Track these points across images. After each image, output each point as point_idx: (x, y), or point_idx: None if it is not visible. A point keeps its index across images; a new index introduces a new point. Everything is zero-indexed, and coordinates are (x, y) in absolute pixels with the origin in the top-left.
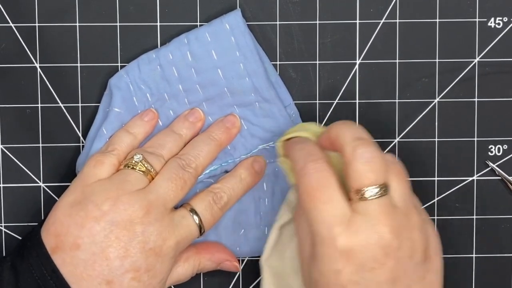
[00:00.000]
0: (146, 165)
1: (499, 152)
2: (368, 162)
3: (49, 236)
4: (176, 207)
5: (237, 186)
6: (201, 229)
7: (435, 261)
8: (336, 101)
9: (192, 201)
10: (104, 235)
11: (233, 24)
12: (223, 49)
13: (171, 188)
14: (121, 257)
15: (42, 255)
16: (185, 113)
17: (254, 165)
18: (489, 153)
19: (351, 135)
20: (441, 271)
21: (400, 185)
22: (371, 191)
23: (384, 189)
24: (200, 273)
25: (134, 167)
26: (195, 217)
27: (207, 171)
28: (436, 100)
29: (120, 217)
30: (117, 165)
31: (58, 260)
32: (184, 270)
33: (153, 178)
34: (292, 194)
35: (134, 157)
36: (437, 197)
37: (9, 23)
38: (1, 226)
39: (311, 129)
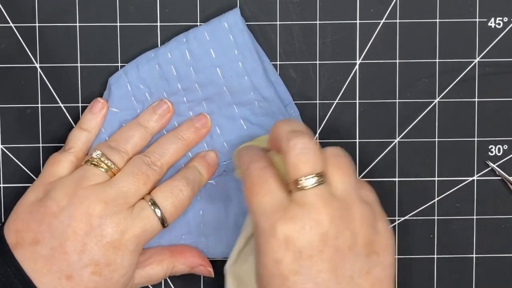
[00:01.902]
0: (106, 162)
1: (499, 152)
2: (301, 152)
3: (10, 232)
4: None
5: (196, 178)
6: (163, 221)
7: (383, 257)
8: (336, 101)
9: (153, 192)
10: (62, 229)
11: (231, 23)
12: (222, 48)
13: (132, 183)
14: (78, 251)
15: (5, 253)
16: (153, 105)
17: (207, 158)
18: (489, 153)
19: (286, 129)
20: (391, 268)
21: (342, 177)
22: (308, 181)
23: (321, 178)
24: None
25: (95, 164)
26: (156, 210)
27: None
28: (436, 100)
29: (77, 211)
30: (76, 162)
31: (19, 256)
32: (156, 271)
33: (114, 174)
34: None
35: (93, 154)
36: (437, 197)
37: (9, 23)
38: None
39: (262, 140)
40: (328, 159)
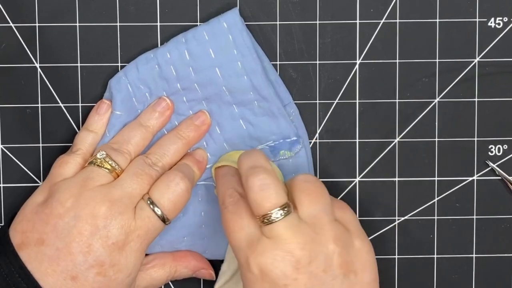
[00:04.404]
0: (110, 162)
1: (499, 152)
2: (261, 190)
3: (16, 233)
4: None
5: (190, 173)
6: (164, 218)
7: (362, 275)
8: (336, 101)
9: (150, 191)
10: (67, 230)
11: (230, 22)
12: (221, 47)
13: (136, 183)
14: (84, 252)
15: (9, 253)
16: (152, 103)
17: (195, 155)
18: (489, 153)
19: (245, 165)
20: (373, 285)
21: (310, 202)
22: (274, 214)
23: (287, 209)
24: None
25: (99, 165)
26: (156, 208)
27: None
28: (436, 100)
29: (82, 212)
30: (82, 164)
31: (24, 256)
32: (159, 275)
33: (118, 175)
34: None
35: (98, 154)
36: (437, 197)
37: (9, 23)
38: (1, 225)
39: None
40: (297, 186)
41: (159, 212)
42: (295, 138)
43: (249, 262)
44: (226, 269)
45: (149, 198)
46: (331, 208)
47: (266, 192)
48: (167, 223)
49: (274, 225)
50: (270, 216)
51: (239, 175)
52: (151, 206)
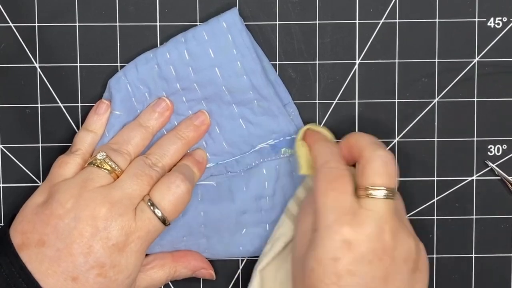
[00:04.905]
0: (110, 163)
1: (498, 152)
2: (386, 164)
3: (16, 233)
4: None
5: (190, 174)
6: (164, 220)
7: (423, 274)
8: (336, 101)
9: (151, 192)
10: (68, 231)
11: (230, 22)
12: (220, 47)
13: (136, 184)
14: (85, 253)
15: (10, 253)
16: (152, 103)
17: (195, 156)
18: (489, 153)
19: (370, 140)
20: (427, 286)
21: (399, 199)
22: (380, 192)
23: (393, 193)
24: None
25: (99, 165)
26: (156, 210)
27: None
28: (435, 100)
29: (82, 213)
30: (82, 164)
31: (25, 257)
32: (159, 275)
33: (118, 176)
34: (301, 190)
35: (98, 155)
36: (437, 197)
37: (9, 23)
38: (1, 225)
39: (328, 134)
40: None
41: (159, 214)
42: (295, 136)
43: (342, 227)
44: (268, 251)
45: (149, 200)
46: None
47: (389, 168)
48: (167, 224)
49: (379, 201)
50: (376, 191)
51: (338, 148)
52: (152, 207)
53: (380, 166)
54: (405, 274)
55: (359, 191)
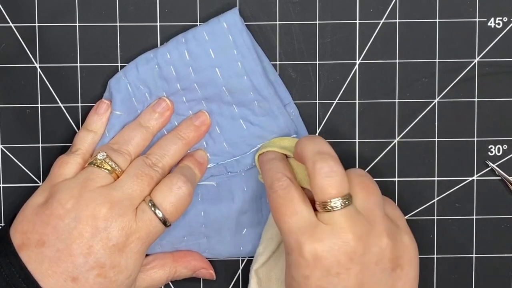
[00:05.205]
0: (110, 163)
1: (499, 152)
2: (328, 176)
3: (16, 233)
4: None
5: (192, 175)
6: (165, 221)
7: (407, 270)
8: (336, 101)
9: (152, 193)
10: (68, 231)
11: (230, 22)
12: (221, 48)
13: (137, 184)
14: (85, 253)
15: (10, 253)
16: (152, 104)
17: (196, 156)
18: (489, 153)
19: (311, 150)
20: (414, 281)
21: (366, 196)
22: (334, 203)
23: (347, 199)
24: None
25: (99, 165)
26: (157, 211)
27: (211, 165)
28: (436, 100)
29: (83, 213)
30: (82, 164)
31: (25, 257)
32: (159, 275)
33: (118, 176)
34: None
35: (98, 155)
36: (437, 197)
37: (9, 23)
38: (1, 226)
39: (285, 145)
40: (353, 179)
41: (160, 215)
42: (295, 136)
43: (302, 247)
44: (263, 251)
45: (150, 200)
46: (382, 203)
47: (333, 179)
48: (168, 225)
49: (335, 213)
50: (331, 203)
51: (286, 160)
52: (153, 208)
53: (323, 180)
54: (381, 275)
55: (315, 205)
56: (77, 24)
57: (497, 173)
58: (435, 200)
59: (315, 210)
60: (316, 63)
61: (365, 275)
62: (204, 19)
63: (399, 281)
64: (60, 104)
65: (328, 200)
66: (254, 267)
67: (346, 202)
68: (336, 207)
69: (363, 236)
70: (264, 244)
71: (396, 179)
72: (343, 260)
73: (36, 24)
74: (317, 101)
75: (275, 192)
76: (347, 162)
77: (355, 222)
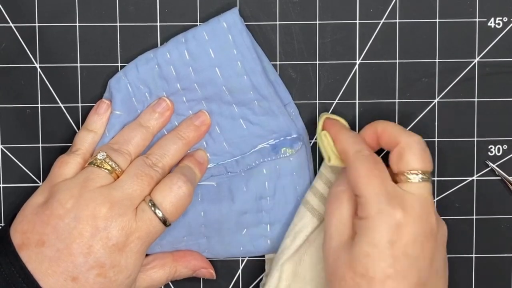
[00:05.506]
0: (110, 163)
1: (499, 152)
2: (423, 149)
3: (16, 233)
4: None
5: (192, 175)
6: (165, 221)
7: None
8: (336, 101)
9: (152, 193)
10: (68, 231)
11: (230, 22)
12: (221, 47)
13: (137, 184)
14: (84, 253)
15: (10, 253)
16: (152, 104)
17: (196, 156)
18: (489, 153)
19: (400, 127)
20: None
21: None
22: (419, 176)
23: (429, 177)
24: None
25: (99, 165)
26: (157, 210)
27: (211, 165)
28: (436, 100)
29: (83, 213)
30: (82, 164)
31: (25, 257)
32: (159, 275)
33: (118, 176)
34: (319, 182)
35: (98, 155)
36: (437, 197)
37: (9, 23)
38: (1, 226)
39: (345, 122)
40: None
41: (160, 215)
42: (295, 136)
43: (394, 210)
44: (290, 245)
45: (150, 200)
46: None
47: (427, 153)
48: (167, 225)
49: (420, 185)
50: (416, 175)
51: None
52: (153, 208)
53: (419, 151)
54: (443, 255)
55: (398, 176)
56: (77, 24)
57: (497, 173)
58: (435, 200)
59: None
60: (316, 63)
61: (436, 250)
62: (204, 19)
63: (446, 266)
64: (60, 104)
65: (415, 171)
66: (280, 261)
67: (427, 179)
68: (419, 179)
69: (437, 215)
70: (292, 237)
71: None
72: (427, 230)
73: (36, 24)
74: (317, 101)
75: (366, 157)
76: None
77: (431, 201)
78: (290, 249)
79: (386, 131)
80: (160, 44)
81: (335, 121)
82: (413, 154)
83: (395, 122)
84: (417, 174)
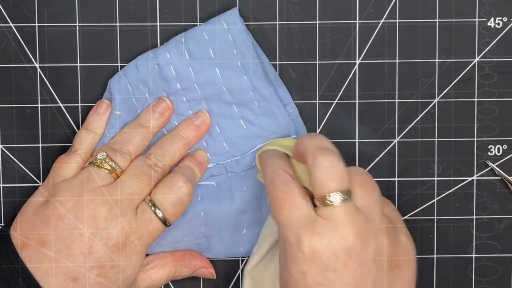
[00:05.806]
0: (110, 163)
1: (499, 152)
2: (328, 170)
3: (16, 234)
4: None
5: (192, 175)
6: (165, 221)
7: (405, 271)
8: (336, 101)
9: (152, 193)
10: (68, 231)
11: (230, 22)
12: (221, 47)
13: (136, 184)
14: (85, 253)
15: (10, 253)
16: (152, 103)
17: (196, 156)
18: (489, 153)
19: (312, 145)
20: (412, 283)
21: (366, 193)
22: (333, 197)
23: (347, 195)
24: None
25: (99, 165)
26: (157, 211)
27: (211, 165)
28: (436, 100)
29: (83, 213)
30: (82, 164)
31: (25, 257)
32: (159, 275)
33: (118, 176)
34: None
35: (98, 155)
36: (437, 197)
37: (9, 23)
38: (1, 226)
39: (286, 144)
40: (353, 176)
41: (160, 215)
42: (295, 136)
43: (301, 241)
44: (257, 250)
45: (150, 200)
46: (382, 202)
47: (334, 174)
48: (168, 225)
49: (334, 208)
50: (330, 198)
51: (287, 158)
52: (153, 208)
53: (323, 173)
54: (378, 274)
55: (314, 200)
56: (77, 24)
57: (497, 173)
58: (435, 200)
59: (314, 206)
60: (316, 63)
61: (363, 272)
62: (204, 19)
63: (396, 281)
64: (60, 104)
65: (328, 194)
66: (247, 267)
67: (346, 198)
68: (336, 201)
69: (362, 233)
70: (259, 244)
71: (396, 179)
72: (341, 255)
73: (36, 24)
74: (317, 101)
75: (276, 187)
76: (347, 162)
77: (354, 218)
78: (256, 256)
79: (301, 150)
80: (160, 44)
81: (267, 151)
82: (316, 178)
83: (395, 122)
84: (332, 197)
